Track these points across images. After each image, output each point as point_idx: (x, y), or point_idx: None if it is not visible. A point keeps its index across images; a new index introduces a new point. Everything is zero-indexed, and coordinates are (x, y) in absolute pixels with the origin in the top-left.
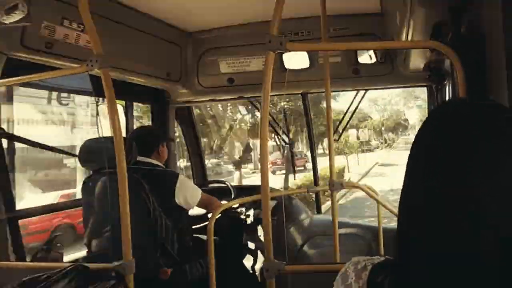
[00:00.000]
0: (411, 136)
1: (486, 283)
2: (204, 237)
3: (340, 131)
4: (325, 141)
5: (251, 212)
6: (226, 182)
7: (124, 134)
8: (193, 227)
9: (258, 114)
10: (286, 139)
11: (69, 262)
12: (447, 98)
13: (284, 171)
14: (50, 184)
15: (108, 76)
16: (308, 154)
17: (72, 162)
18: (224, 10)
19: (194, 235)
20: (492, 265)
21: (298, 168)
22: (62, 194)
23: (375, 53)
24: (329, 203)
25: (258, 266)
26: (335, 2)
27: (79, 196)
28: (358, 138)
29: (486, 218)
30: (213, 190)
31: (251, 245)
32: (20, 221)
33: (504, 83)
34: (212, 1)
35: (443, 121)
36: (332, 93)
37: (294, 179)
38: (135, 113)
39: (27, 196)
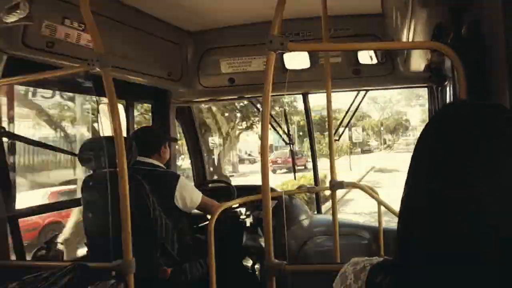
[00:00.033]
0: (411, 137)
1: (486, 284)
2: (204, 237)
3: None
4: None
5: (251, 212)
6: (227, 182)
7: (124, 134)
8: (193, 227)
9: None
10: (287, 139)
11: (69, 261)
12: (447, 99)
13: (284, 170)
14: (40, 182)
15: (109, 75)
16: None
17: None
18: (225, 10)
19: (194, 235)
20: (492, 266)
21: (299, 168)
22: (51, 192)
23: (375, 53)
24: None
25: (258, 266)
26: (336, 2)
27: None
28: (350, 138)
29: (486, 218)
30: (213, 190)
31: (251, 245)
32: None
33: (505, 83)
34: (214, 1)
35: (444, 123)
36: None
37: (295, 178)
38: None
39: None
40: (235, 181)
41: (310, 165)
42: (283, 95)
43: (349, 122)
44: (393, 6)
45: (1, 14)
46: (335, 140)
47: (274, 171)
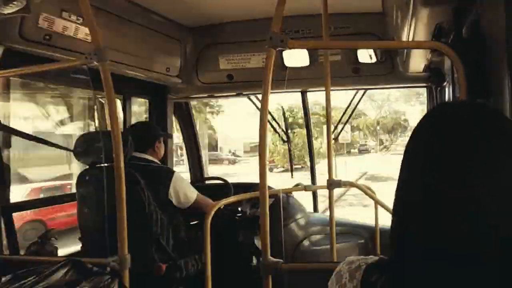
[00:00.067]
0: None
1: (482, 279)
2: (200, 233)
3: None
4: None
5: (248, 210)
6: (224, 179)
7: (121, 129)
8: (189, 223)
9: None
10: (285, 137)
11: (64, 256)
12: (446, 99)
13: (282, 169)
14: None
15: (107, 70)
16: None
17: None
18: (225, 5)
19: (189, 231)
20: (489, 262)
21: (296, 166)
22: (32, 188)
23: (375, 52)
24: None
25: (254, 264)
26: (337, 0)
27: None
28: (335, 139)
29: (486, 217)
30: (210, 187)
31: (248, 243)
32: None
33: (505, 84)
34: None
35: (443, 119)
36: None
37: (292, 177)
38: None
39: None
40: None
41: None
42: (282, 92)
43: (347, 121)
44: (393, 5)
45: None
46: (333, 139)
47: (271, 170)
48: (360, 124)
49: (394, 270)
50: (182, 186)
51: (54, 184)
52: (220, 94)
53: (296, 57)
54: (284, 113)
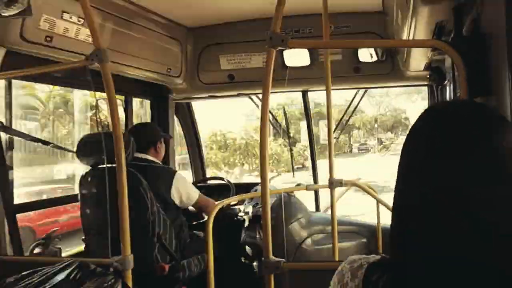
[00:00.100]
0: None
1: (484, 279)
2: (202, 233)
3: (341, 129)
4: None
5: (249, 209)
6: (225, 179)
7: (123, 129)
8: (192, 223)
9: None
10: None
11: (67, 257)
12: (447, 98)
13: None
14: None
15: (108, 70)
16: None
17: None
18: (225, 6)
19: (192, 231)
20: (490, 261)
21: (297, 166)
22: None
23: (376, 51)
24: None
25: (256, 264)
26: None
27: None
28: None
29: (486, 215)
30: (212, 187)
31: (250, 243)
32: None
33: (506, 82)
34: None
35: (443, 118)
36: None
37: (294, 176)
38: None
39: None
40: None
41: (307, 163)
42: (283, 92)
43: (348, 120)
44: (394, 4)
45: None
46: (335, 138)
47: (271, 170)
48: (357, 122)
49: (395, 269)
50: (184, 186)
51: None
52: (221, 94)
53: (296, 57)
54: (285, 113)
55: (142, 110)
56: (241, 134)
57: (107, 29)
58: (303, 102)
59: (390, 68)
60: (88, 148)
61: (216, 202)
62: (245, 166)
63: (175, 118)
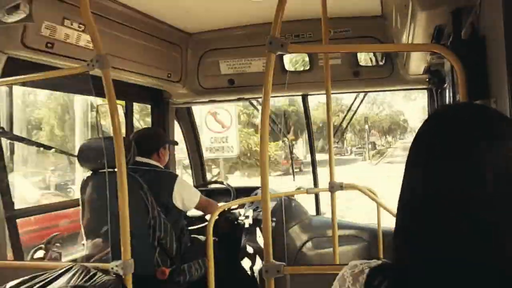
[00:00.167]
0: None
1: (484, 280)
2: (203, 237)
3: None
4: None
5: (250, 213)
6: (226, 183)
7: (123, 135)
8: (192, 227)
9: None
10: (286, 141)
11: (68, 261)
12: (447, 101)
13: (279, 173)
14: None
15: (109, 76)
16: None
17: None
18: (225, 11)
19: (192, 235)
20: (490, 262)
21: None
22: None
23: (375, 55)
24: None
25: (256, 267)
26: (336, 4)
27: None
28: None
29: (486, 216)
30: (212, 191)
31: (250, 246)
32: None
33: (505, 86)
34: (213, 2)
35: (444, 122)
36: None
37: (294, 180)
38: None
39: None
40: None
41: (303, 167)
42: (282, 96)
43: (348, 124)
44: (393, 8)
45: (1, 15)
46: (336, 142)
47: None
48: (344, 122)
49: (397, 273)
50: (185, 190)
51: None
52: (221, 99)
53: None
54: (285, 117)
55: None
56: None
57: (107, 35)
58: (303, 106)
59: (389, 72)
60: (89, 152)
61: (219, 204)
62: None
63: (176, 122)
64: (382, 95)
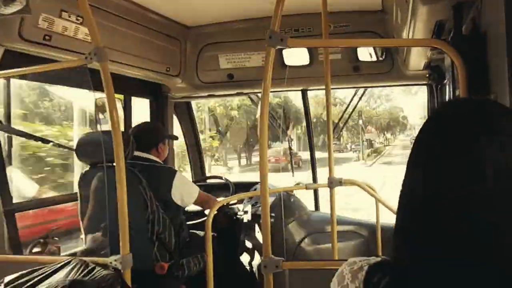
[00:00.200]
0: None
1: (484, 280)
2: (202, 232)
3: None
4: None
5: (249, 208)
6: (225, 178)
7: (122, 129)
8: (191, 222)
9: None
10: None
11: (66, 255)
12: (447, 97)
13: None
14: None
15: (107, 69)
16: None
17: None
18: (224, 4)
19: (191, 230)
20: (490, 262)
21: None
22: None
23: (375, 50)
24: None
25: (255, 262)
26: None
27: None
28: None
29: (486, 216)
30: (211, 186)
31: (249, 241)
32: None
33: (505, 81)
34: None
35: (444, 119)
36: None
37: (293, 176)
38: None
39: None
40: None
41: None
42: (282, 91)
43: (347, 119)
44: (393, 3)
45: None
46: (335, 137)
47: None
48: (342, 118)
49: (396, 271)
50: (184, 185)
51: None
52: (220, 93)
53: (296, 56)
54: (284, 112)
55: None
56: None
57: (106, 28)
58: (303, 101)
59: (389, 67)
60: (87, 146)
61: (218, 199)
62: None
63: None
64: (380, 88)
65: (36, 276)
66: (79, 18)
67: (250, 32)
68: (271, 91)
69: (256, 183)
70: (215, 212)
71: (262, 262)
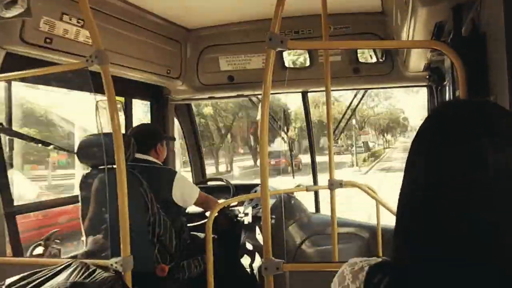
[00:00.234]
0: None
1: (484, 280)
2: (202, 234)
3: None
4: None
5: (249, 210)
6: (225, 180)
7: (123, 131)
8: (192, 224)
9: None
10: (285, 138)
11: (67, 258)
12: (447, 99)
13: (277, 172)
14: None
15: (108, 72)
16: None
17: None
18: (224, 7)
19: (192, 232)
20: (490, 262)
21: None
22: None
23: (375, 52)
24: None
25: (256, 264)
26: (336, 0)
27: None
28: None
29: (486, 216)
30: (212, 188)
31: (249, 243)
32: None
33: (505, 83)
34: None
35: (444, 118)
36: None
37: (293, 178)
38: None
39: None
40: None
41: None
42: (282, 93)
43: (348, 121)
44: (393, 5)
45: None
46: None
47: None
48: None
49: (397, 271)
50: (185, 186)
51: None
52: (220, 95)
53: (296, 57)
54: (284, 114)
55: None
56: None
57: (106, 30)
58: (303, 103)
59: (389, 68)
60: (88, 149)
61: (219, 201)
62: None
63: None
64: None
65: (37, 279)
66: (80, 21)
67: (250, 34)
68: (271, 93)
69: (257, 185)
70: (216, 214)
71: (262, 264)
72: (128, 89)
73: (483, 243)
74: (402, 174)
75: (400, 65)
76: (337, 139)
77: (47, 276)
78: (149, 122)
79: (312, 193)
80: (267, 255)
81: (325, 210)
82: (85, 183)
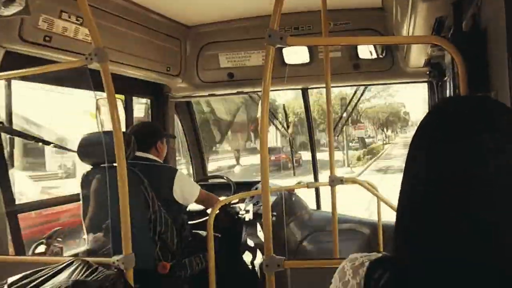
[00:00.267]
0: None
1: (484, 279)
2: (204, 232)
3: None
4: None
5: (250, 207)
6: (226, 177)
7: (123, 129)
8: (193, 222)
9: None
10: (286, 134)
11: (69, 256)
12: (447, 94)
13: (276, 168)
14: None
15: (108, 70)
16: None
17: None
18: (224, 3)
19: (193, 230)
20: (490, 262)
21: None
22: None
23: (375, 48)
24: None
25: (257, 262)
26: None
27: None
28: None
29: (486, 215)
30: (213, 185)
31: (250, 241)
32: None
33: (506, 78)
34: None
35: (444, 114)
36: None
37: (294, 175)
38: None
39: None
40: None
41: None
42: (282, 90)
43: (348, 117)
44: (393, 0)
45: None
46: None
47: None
48: (315, 108)
49: (397, 268)
50: (185, 183)
51: None
52: (220, 92)
53: (296, 54)
54: (285, 111)
55: None
56: None
57: (106, 28)
58: (303, 99)
59: (389, 64)
60: (89, 147)
61: (220, 198)
62: None
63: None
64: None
65: (39, 277)
66: (79, 18)
67: (250, 31)
68: (271, 90)
69: (258, 182)
70: (217, 211)
71: (263, 261)
72: (128, 87)
73: (483, 243)
74: (402, 174)
75: (401, 61)
76: (338, 135)
77: (49, 274)
78: (147, 120)
79: (313, 190)
80: (268, 252)
81: (325, 207)
82: (86, 181)
